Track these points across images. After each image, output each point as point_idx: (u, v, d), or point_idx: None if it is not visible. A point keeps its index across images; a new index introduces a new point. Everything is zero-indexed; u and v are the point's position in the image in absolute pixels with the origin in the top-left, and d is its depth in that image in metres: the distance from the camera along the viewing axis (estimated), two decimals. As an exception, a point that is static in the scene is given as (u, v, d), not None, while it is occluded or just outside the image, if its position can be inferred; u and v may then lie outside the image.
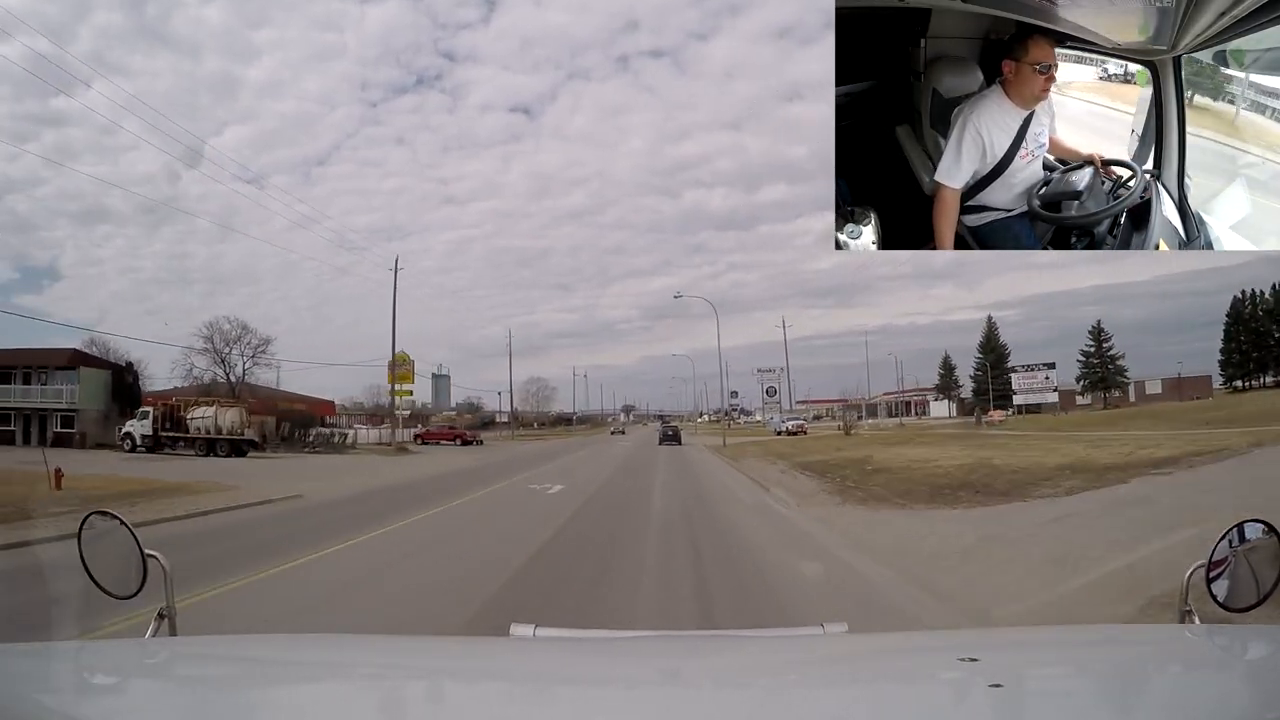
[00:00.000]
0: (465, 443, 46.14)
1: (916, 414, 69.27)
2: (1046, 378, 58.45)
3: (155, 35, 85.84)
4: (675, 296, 40.18)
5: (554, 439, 61.66)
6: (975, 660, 1.21)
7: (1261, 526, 1.39)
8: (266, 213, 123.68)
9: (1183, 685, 1.21)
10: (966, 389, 71.23)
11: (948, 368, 73.08)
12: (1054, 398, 57.38)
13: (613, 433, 73.64)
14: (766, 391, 59.32)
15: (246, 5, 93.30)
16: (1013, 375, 59.96)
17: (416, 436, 47.69)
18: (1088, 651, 1.45)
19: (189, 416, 31.02)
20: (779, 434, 44.99)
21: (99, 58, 66.11)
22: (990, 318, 71.37)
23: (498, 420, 76.47)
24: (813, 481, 16.08)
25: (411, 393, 46.00)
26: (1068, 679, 1.26)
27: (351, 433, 42.71)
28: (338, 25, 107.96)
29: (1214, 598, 1.40)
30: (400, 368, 42.18)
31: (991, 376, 64.24)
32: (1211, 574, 1.39)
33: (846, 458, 20.69)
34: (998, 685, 1.07)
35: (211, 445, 30.06)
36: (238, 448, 30.04)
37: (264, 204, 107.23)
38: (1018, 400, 57.79)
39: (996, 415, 51.34)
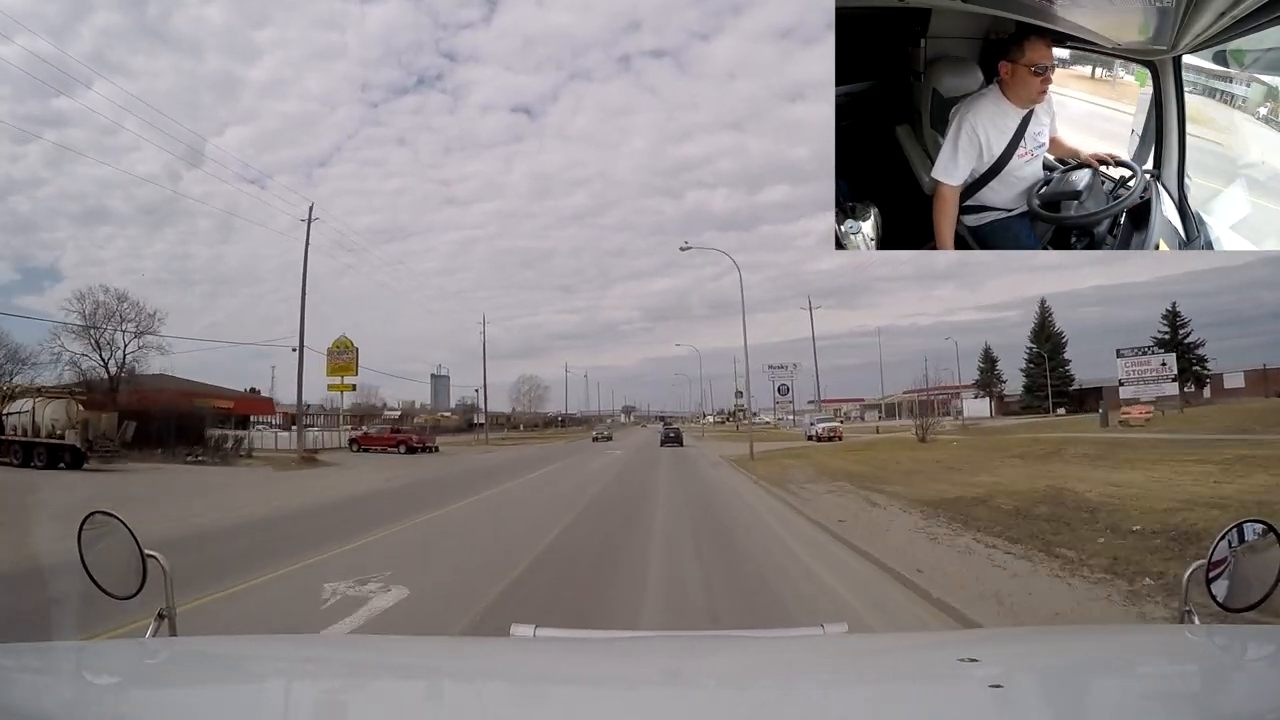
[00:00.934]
0: (411, 449, 36.89)
1: (945, 413, 60.42)
2: (1163, 363, 45.95)
3: (156, 34, 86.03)
4: (682, 249, 35.12)
5: (534, 444, 51.04)
6: (975, 660, 1.21)
7: (1260, 527, 1.39)
8: (268, 212, 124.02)
9: (1183, 685, 1.21)
10: (993, 385, 66.51)
11: (989, 361, 67.52)
12: (1173, 389, 44.75)
13: (595, 438, 52.32)
14: (778, 390, 57.80)
15: (247, 4, 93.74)
16: (1119, 362, 47.21)
17: (353, 441, 39.69)
18: (1088, 651, 1.45)
19: (4, 412, 22.49)
20: (810, 438, 39.47)
21: (100, 57, 66.44)
22: (1043, 301, 62.56)
23: (476, 421, 65.74)
24: (1085, 588, 5.64)
25: (354, 387, 39.06)
26: (1068, 679, 1.26)
27: (248, 437, 34.35)
28: (339, 25, 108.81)
29: (1214, 598, 1.40)
30: (343, 355, 33.64)
31: (1050, 368, 57.62)
32: (1211, 574, 1.40)
33: (1021, 492, 11.05)
34: (998, 685, 1.07)
35: (30, 451, 21.57)
36: (60, 455, 21.45)
37: (266, 203, 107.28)
38: (1125, 394, 44.31)
39: (1138, 413, 35.61)
